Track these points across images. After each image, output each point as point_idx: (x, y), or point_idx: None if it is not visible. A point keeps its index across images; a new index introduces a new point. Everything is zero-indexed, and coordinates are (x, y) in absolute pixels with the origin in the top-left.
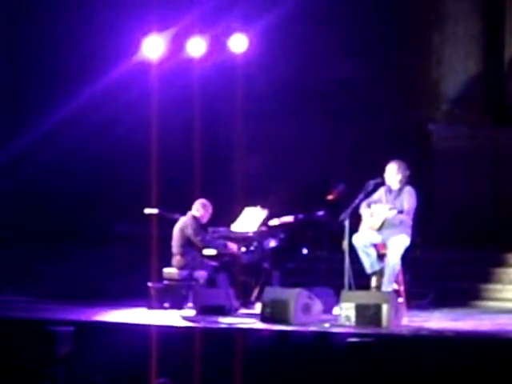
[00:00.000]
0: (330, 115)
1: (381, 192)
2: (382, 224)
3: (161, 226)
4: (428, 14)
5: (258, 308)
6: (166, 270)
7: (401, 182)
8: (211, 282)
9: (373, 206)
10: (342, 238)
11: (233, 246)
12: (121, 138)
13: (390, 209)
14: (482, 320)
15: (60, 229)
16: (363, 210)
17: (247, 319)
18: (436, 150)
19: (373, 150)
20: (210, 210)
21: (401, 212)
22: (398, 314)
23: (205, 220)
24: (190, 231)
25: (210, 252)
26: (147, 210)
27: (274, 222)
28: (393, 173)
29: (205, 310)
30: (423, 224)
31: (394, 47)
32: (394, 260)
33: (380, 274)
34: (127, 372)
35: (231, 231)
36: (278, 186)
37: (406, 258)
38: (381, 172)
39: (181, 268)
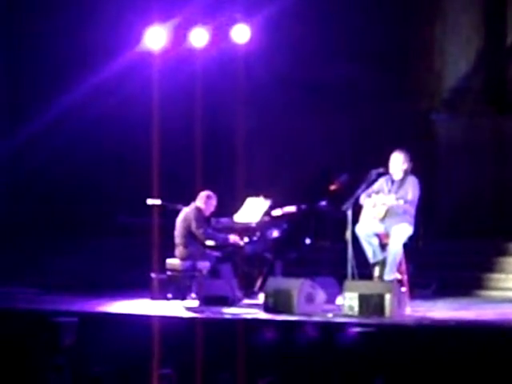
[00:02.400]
0: (331, 105)
1: (381, 182)
2: (386, 213)
3: (164, 216)
4: (429, 4)
5: (261, 298)
6: (169, 261)
7: (405, 171)
8: (214, 273)
9: (373, 195)
10: (344, 228)
11: (235, 239)
12: (123, 129)
13: (397, 199)
14: (484, 309)
15: (63, 220)
16: (365, 201)
17: (250, 309)
18: (438, 140)
19: (375, 141)
20: (214, 202)
21: (404, 201)
22: (401, 303)
23: (208, 213)
24: (192, 223)
25: (212, 242)
26: (150, 201)
27: (277, 212)
28: (399, 162)
29: (208, 300)
30: (426, 214)
31: (396, 38)
32: (395, 248)
33: (382, 263)
34: (130, 362)
35: (234, 222)
36: (280, 177)
37: (409, 247)
38: (383, 162)
39: (184, 259)
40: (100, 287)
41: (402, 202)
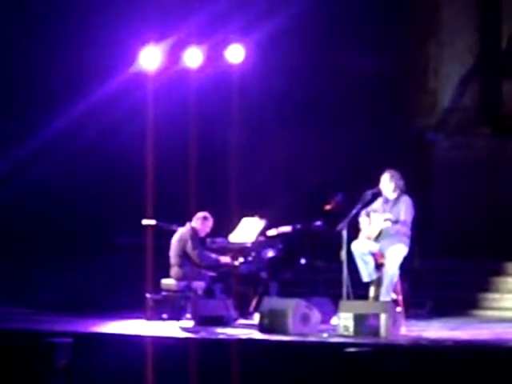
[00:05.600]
0: (326, 125)
1: (379, 202)
2: (379, 234)
3: (158, 237)
4: (425, 24)
5: (256, 318)
6: (164, 281)
7: (395, 190)
8: (209, 293)
9: (372, 214)
10: (339, 248)
11: (226, 260)
12: (118, 149)
13: (385, 220)
14: (480, 329)
15: (58, 240)
16: (362, 219)
17: (245, 330)
18: (433, 160)
19: (370, 160)
20: (210, 224)
21: (396, 222)
22: (397, 323)
23: (203, 234)
24: (188, 243)
25: (207, 263)
26: (145, 221)
27: (272, 232)
28: (386, 182)
29: (203, 320)
30: (421, 233)
31: (391, 58)
32: (392, 270)
33: (378, 283)
34: (125, 383)
35: (229, 242)
36: (275, 197)
37: (405, 267)
38: (378, 182)
39: (179, 279)
40: (95, 307)
41: (389, 223)
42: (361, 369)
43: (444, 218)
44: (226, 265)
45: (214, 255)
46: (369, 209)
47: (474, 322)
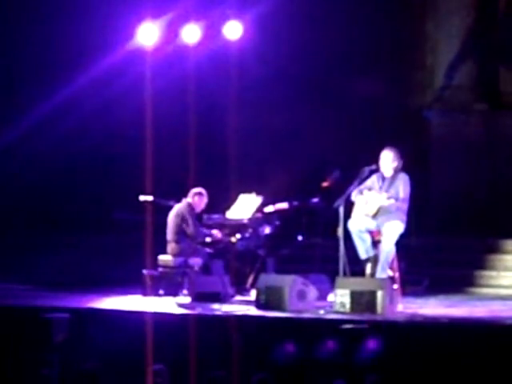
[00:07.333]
0: (324, 102)
1: (373, 179)
2: (378, 211)
3: (156, 213)
4: (421, 1)
5: (252, 295)
6: (161, 257)
7: (395, 169)
8: (206, 269)
9: (366, 192)
10: (336, 225)
11: (218, 235)
12: (116, 125)
13: (389, 198)
14: (476, 306)
15: (55, 216)
16: (356, 197)
17: (242, 306)
18: (431, 137)
19: (368, 137)
20: (205, 200)
21: (396, 199)
22: (393, 300)
23: (199, 210)
24: (184, 219)
25: (203, 239)
26: (142, 198)
27: (269, 208)
28: (388, 160)
29: (200, 296)
30: (418, 211)
31: (388, 34)
32: (388, 246)
33: (374, 260)
34: (122, 359)
35: (226, 218)
36: (272, 173)
37: (401, 244)
38: (375, 159)
39: (176, 255)
40: (92, 283)
41: (393, 201)
42: (357, 345)
43: (441, 196)
44: (220, 240)
45: (208, 231)
46: (362, 187)
47: (470, 299)
